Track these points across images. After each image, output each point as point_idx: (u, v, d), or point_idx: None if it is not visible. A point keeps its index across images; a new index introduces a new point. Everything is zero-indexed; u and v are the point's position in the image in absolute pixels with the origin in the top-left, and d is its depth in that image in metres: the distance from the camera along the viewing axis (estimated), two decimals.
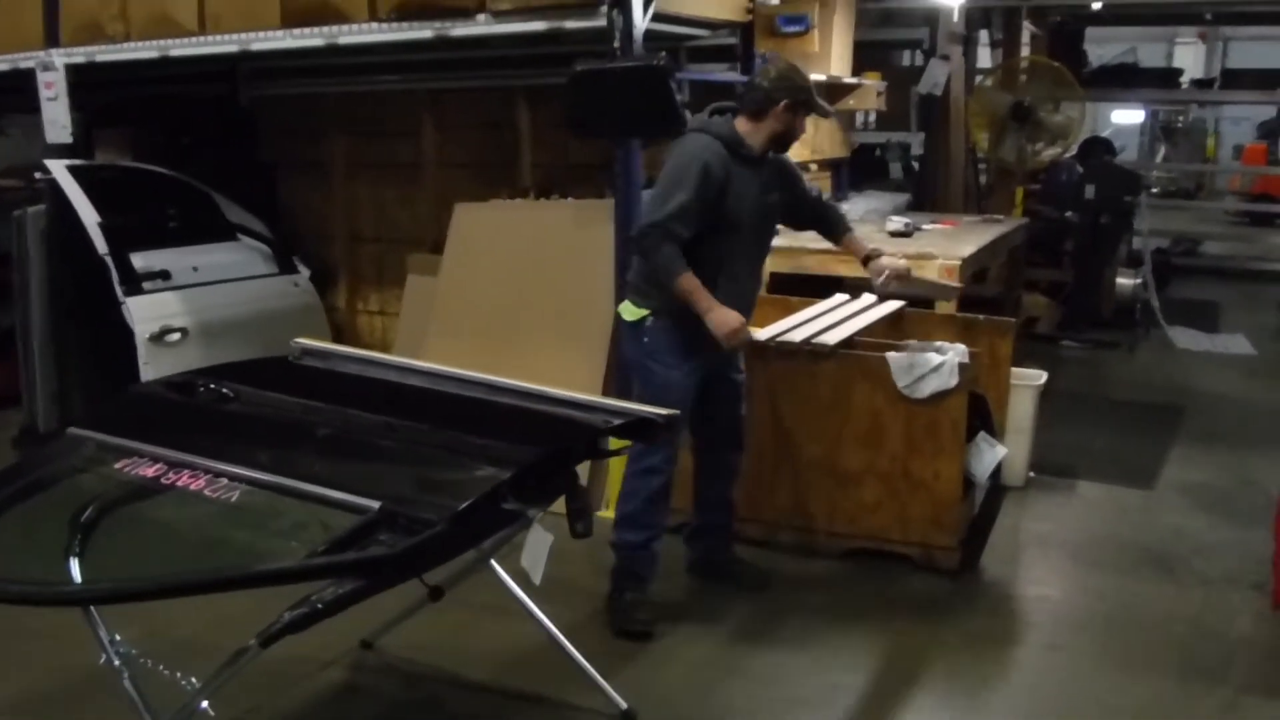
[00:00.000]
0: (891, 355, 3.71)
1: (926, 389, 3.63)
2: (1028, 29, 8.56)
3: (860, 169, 7.39)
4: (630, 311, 3.36)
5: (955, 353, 3.67)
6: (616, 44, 3.99)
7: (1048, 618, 3.50)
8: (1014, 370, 4.39)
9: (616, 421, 2.56)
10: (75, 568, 2.20)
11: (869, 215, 6.02)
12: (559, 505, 2.53)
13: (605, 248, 4.19)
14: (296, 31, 4.50)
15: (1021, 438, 4.40)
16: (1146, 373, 6.71)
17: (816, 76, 5.32)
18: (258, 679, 2.84)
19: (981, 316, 4.40)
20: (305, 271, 5.62)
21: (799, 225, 3.71)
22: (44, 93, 5.05)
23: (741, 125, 3.29)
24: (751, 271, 3.46)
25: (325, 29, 4.44)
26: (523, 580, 2.77)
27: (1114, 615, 3.47)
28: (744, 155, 3.27)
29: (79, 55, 4.99)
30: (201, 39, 4.72)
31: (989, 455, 3.82)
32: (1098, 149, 8.05)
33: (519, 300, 4.65)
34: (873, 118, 9.46)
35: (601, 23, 3.97)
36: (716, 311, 3.19)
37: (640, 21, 3.98)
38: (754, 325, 4.20)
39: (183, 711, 2.34)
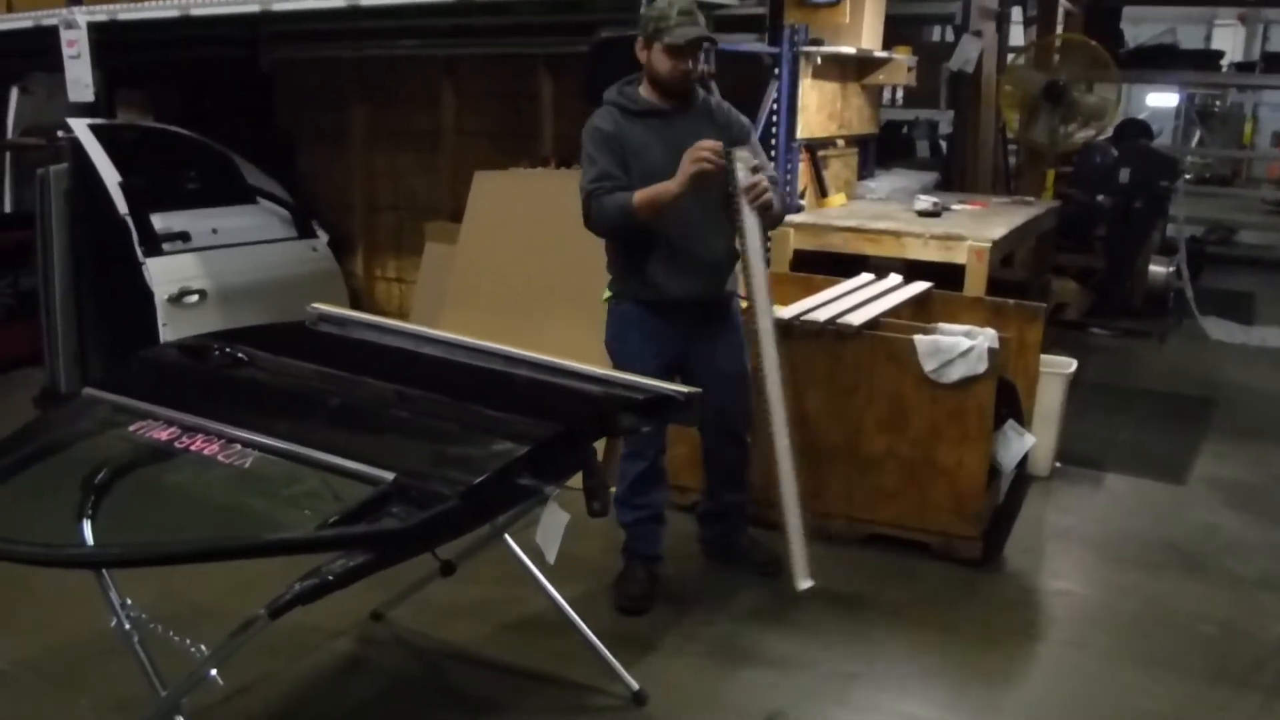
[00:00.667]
0: (919, 338, 3.63)
1: (954, 374, 3.55)
2: (1063, 6, 8.37)
3: (887, 146, 7.25)
4: (606, 293, 3.31)
5: (985, 338, 3.58)
6: (642, 10, 3.90)
7: (1071, 614, 3.43)
8: (1043, 357, 4.30)
9: (637, 398, 2.50)
10: (87, 530, 2.17)
11: (896, 194, 5.91)
12: (575, 480, 2.49)
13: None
14: None
15: (1048, 427, 4.32)
16: (1178, 364, 6.58)
17: (845, 49, 5.21)
18: (266, 647, 2.82)
19: (1011, 301, 4.31)
20: (324, 236, 5.61)
21: None
22: (67, 51, 5.02)
23: (643, 83, 3.16)
24: (707, 232, 3.13)
25: None
26: (535, 556, 2.73)
27: (1140, 614, 3.39)
28: (634, 110, 3.10)
29: (101, 13, 4.96)
30: None
31: (1016, 444, 3.75)
32: (1133, 132, 7.89)
33: (537, 270, 4.60)
34: (900, 94, 9.31)
35: None
36: (677, 177, 2.96)
37: None
38: (776, 303, 4.17)
39: (191, 679, 2.31)
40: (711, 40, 3.19)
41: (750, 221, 3.01)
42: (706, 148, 2.93)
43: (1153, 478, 4.52)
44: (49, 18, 5.10)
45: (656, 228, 3.10)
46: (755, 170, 3.02)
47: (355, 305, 5.84)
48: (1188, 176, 12.66)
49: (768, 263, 3.43)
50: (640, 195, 3.02)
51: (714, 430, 3.35)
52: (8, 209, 6.08)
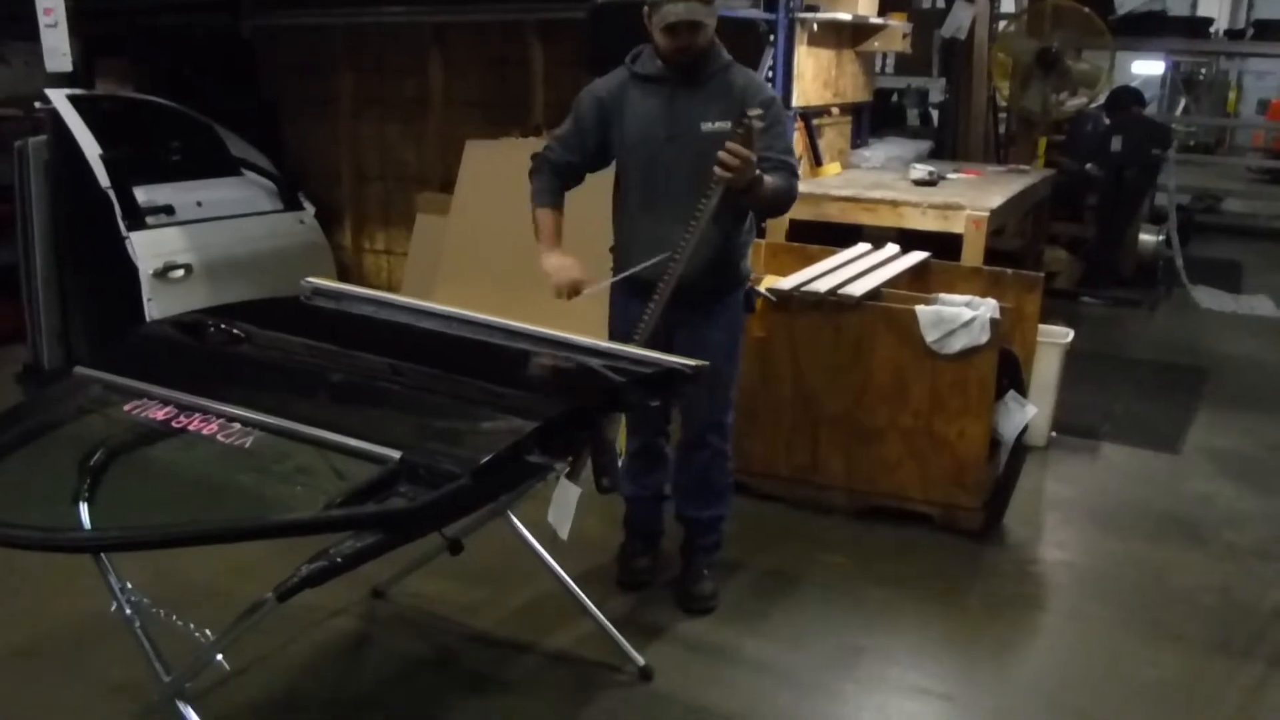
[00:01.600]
0: (920, 309, 3.60)
1: (956, 345, 3.53)
2: None
3: (878, 115, 7.20)
4: None
5: (987, 308, 3.56)
6: None
7: (1071, 584, 3.44)
8: (1040, 327, 4.29)
9: (645, 372, 2.46)
10: (84, 513, 2.12)
11: (890, 163, 5.87)
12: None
13: (602, 186, 4.06)
14: None
15: (1046, 397, 4.31)
16: (1169, 332, 6.60)
17: (842, 16, 5.15)
18: (267, 626, 2.76)
19: (1009, 271, 4.28)
20: (310, 209, 5.51)
21: None
22: (43, 19, 4.87)
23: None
24: (681, 210, 2.82)
25: None
26: (539, 532, 2.70)
27: (1140, 584, 3.40)
28: (640, 74, 2.94)
29: None
30: None
31: (1018, 415, 3.74)
32: (1126, 100, 7.85)
33: (531, 241, 4.52)
34: (890, 62, 9.23)
35: None
36: (544, 255, 2.94)
37: None
38: (773, 274, 4.14)
39: (197, 664, 2.27)
40: (703, 19, 2.81)
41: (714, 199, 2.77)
42: (561, 292, 2.94)
43: (1148, 447, 4.53)
44: None
45: (627, 209, 3.02)
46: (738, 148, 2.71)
47: (343, 278, 5.75)
48: (1175, 144, 12.65)
49: (740, 235, 3.02)
50: (537, 218, 3.00)
51: (684, 427, 3.17)
52: None
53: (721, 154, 2.67)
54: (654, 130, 2.91)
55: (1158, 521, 3.83)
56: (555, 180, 3.03)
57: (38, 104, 4.85)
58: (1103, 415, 4.86)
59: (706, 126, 2.86)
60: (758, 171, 2.74)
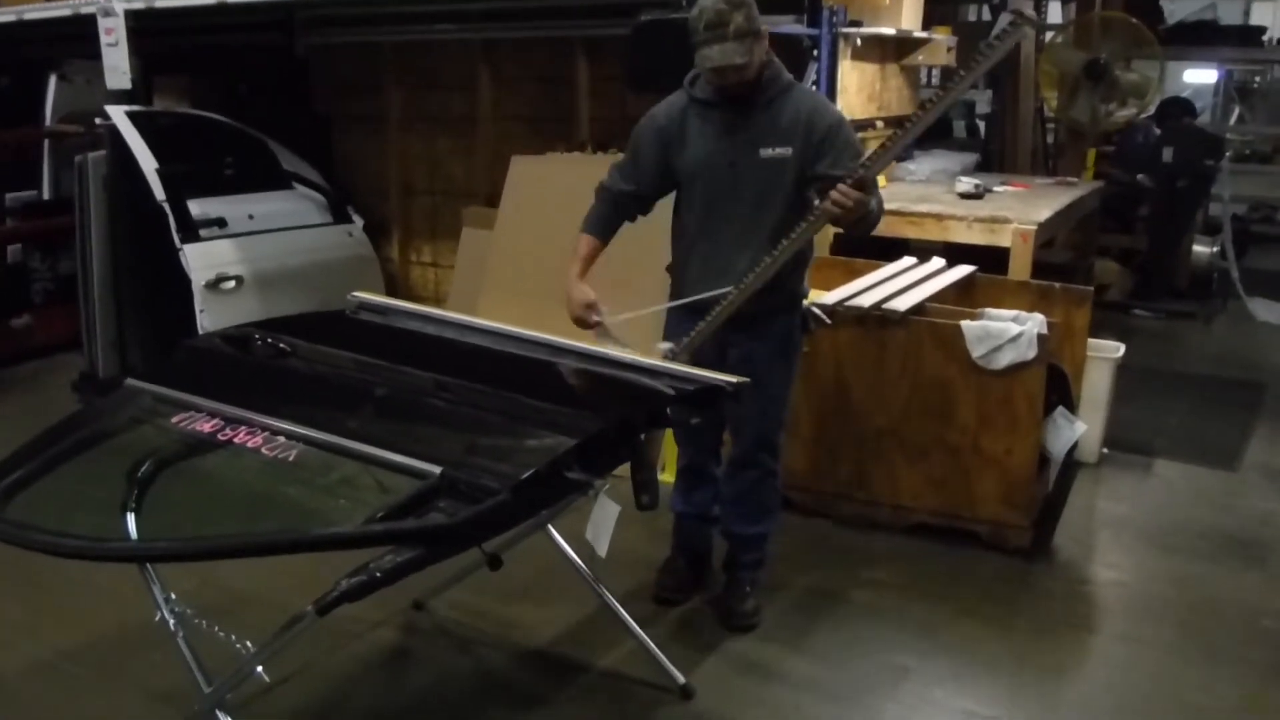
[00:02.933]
0: (966, 324, 3.56)
1: (1003, 360, 3.48)
2: None
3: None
4: None
5: (1034, 323, 3.51)
6: None
7: (1125, 605, 3.36)
8: (1090, 342, 4.22)
9: (686, 389, 2.45)
10: (131, 523, 2.16)
11: (936, 175, 5.81)
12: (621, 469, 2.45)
13: (664, 203, 4.06)
14: None
15: (1096, 413, 4.23)
16: (1224, 346, 6.45)
17: (886, 30, 5.11)
18: (308, 636, 2.78)
19: (1057, 285, 4.21)
20: (359, 221, 5.59)
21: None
22: (105, 38, 5.02)
23: None
24: (740, 235, 2.87)
25: None
26: (579, 545, 2.70)
27: (1196, 605, 3.31)
28: (697, 98, 2.90)
29: (138, 1, 4.93)
30: None
31: (1067, 432, 3.67)
32: (1176, 110, 7.71)
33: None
34: (935, 75, 9.16)
35: None
36: (568, 284, 2.96)
37: None
38: (818, 289, 4.11)
39: (237, 675, 2.30)
40: (738, 60, 2.72)
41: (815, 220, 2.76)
42: (580, 321, 2.94)
43: (1204, 464, 4.43)
44: (87, 5, 5.09)
45: (685, 232, 3.00)
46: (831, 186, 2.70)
47: (390, 290, 5.82)
48: (1228, 154, 12.40)
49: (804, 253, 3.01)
50: (578, 243, 2.99)
51: (734, 444, 3.15)
52: (47, 195, 6.09)
53: (835, 194, 2.64)
54: (713, 156, 2.89)
55: (1214, 541, 3.74)
56: (609, 210, 3.02)
57: (98, 120, 4.98)
58: (1156, 431, 4.76)
59: (766, 153, 2.84)
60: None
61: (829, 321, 3.64)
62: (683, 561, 3.33)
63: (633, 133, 3.04)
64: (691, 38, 2.75)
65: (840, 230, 3.03)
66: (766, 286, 2.88)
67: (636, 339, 3.01)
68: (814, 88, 4.75)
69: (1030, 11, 7.52)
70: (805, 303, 3.13)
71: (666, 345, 2.92)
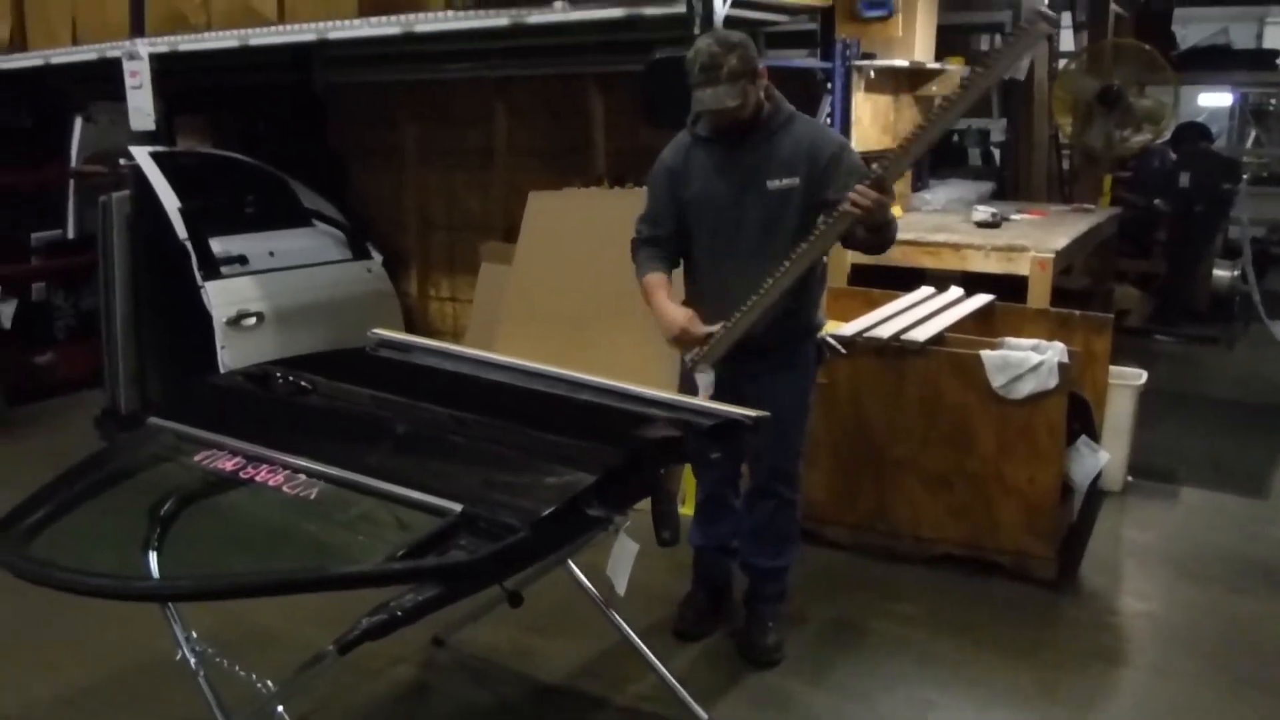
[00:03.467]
0: (986, 354, 3.54)
1: (1024, 389, 3.46)
2: (1113, 10, 8.21)
3: (939, 156, 7.16)
4: None
5: (1054, 351, 3.49)
6: (697, 30, 3.87)
7: (1153, 636, 3.31)
8: (1111, 369, 4.19)
9: (704, 423, 2.45)
10: (153, 562, 2.17)
11: (952, 204, 5.82)
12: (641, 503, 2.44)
13: None
14: (373, 20, 4.48)
15: (1119, 440, 4.20)
16: (1247, 370, 6.39)
17: (898, 62, 5.14)
18: (328, 675, 2.79)
19: (1077, 312, 4.20)
20: (378, 257, 5.63)
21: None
22: (129, 81, 5.10)
23: None
24: (748, 269, 2.85)
25: (402, 17, 4.41)
26: (598, 579, 2.68)
27: (1226, 636, 3.26)
28: (699, 136, 2.94)
29: (163, 45, 5.03)
30: (280, 28, 4.73)
31: (1090, 461, 3.64)
32: (1192, 135, 7.70)
33: (593, 290, 4.56)
34: None
35: (681, 8, 3.88)
36: (658, 313, 2.92)
37: (721, 7, 3.88)
38: (835, 319, 4.11)
39: (258, 714, 2.30)
40: (730, 103, 2.74)
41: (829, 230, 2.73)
42: (685, 345, 2.90)
43: (1231, 491, 4.38)
44: (112, 49, 5.18)
45: (696, 266, 3.01)
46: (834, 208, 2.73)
47: (409, 325, 5.86)
48: (1246, 177, 12.35)
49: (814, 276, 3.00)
50: (647, 284, 2.96)
51: (752, 476, 3.14)
52: (71, 234, 6.18)
53: (853, 195, 2.63)
54: (719, 190, 2.91)
55: (1243, 569, 3.69)
56: (653, 249, 3.03)
57: (122, 160, 5.05)
58: (1181, 458, 4.72)
59: (773, 184, 2.85)
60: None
61: (844, 351, 3.64)
62: (703, 595, 3.31)
63: (647, 180, 3.07)
64: (688, 79, 2.78)
65: (858, 249, 2.98)
66: (781, 316, 2.88)
67: (655, 372, 3.01)
68: (828, 120, 4.78)
69: (1047, 23, 7.56)
70: (821, 333, 3.12)
71: (689, 354, 2.90)
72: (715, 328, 2.86)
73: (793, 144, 2.86)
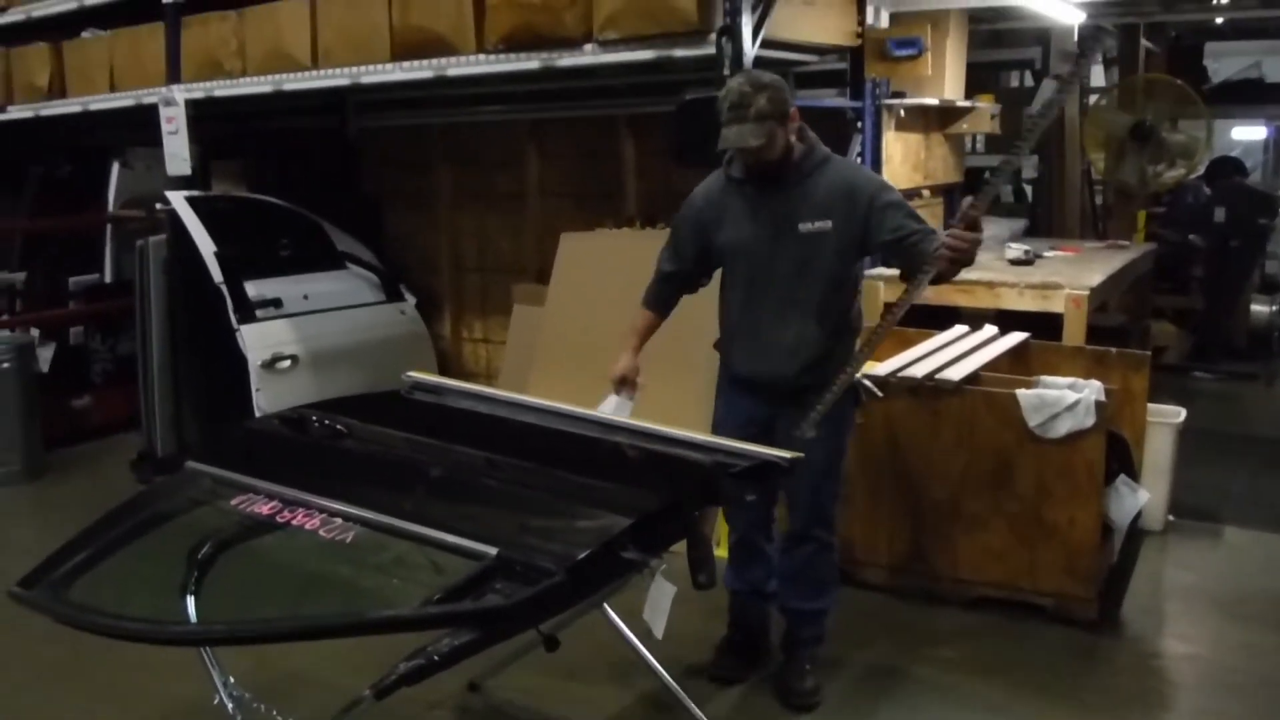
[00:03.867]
0: (1022, 392, 3.51)
1: (1061, 428, 3.42)
2: (1144, 45, 8.19)
3: (969, 193, 7.14)
4: None
5: (1091, 390, 3.45)
6: (726, 71, 3.90)
7: (1197, 679, 3.24)
8: (1150, 406, 4.13)
9: (739, 465, 2.43)
10: (191, 606, 2.17)
11: (985, 242, 5.77)
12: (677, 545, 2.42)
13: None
14: (406, 64, 4.54)
15: (1160, 479, 4.13)
16: None
17: (928, 100, 5.15)
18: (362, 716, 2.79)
19: (1114, 350, 4.15)
20: (411, 300, 5.67)
21: (886, 263, 3.26)
22: (165, 127, 5.20)
23: None
24: (782, 311, 2.88)
25: (433, 61, 4.46)
26: (634, 622, 2.65)
27: (1272, 679, 3.19)
28: (733, 178, 2.94)
29: (199, 90, 5.12)
30: (314, 73, 4.80)
31: (1130, 500, 3.58)
32: (1226, 169, 7.64)
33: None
34: (980, 141, 9.19)
35: (710, 50, 3.90)
36: (621, 351, 3.07)
37: (750, 49, 3.90)
38: (869, 360, 4.08)
39: None
40: (761, 149, 2.75)
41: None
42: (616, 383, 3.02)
43: (1274, 530, 4.29)
44: (149, 95, 5.29)
45: (730, 308, 3.02)
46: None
47: (442, 367, 5.88)
48: None
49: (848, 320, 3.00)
50: (634, 317, 3.12)
51: (790, 519, 3.09)
52: (109, 278, 6.29)
53: (949, 239, 2.61)
54: (752, 232, 2.91)
55: None
56: (665, 286, 3.11)
57: (158, 205, 5.14)
58: (1223, 496, 4.63)
59: (805, 227, 2.84)
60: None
61: (880, 394, 3.61)
62: (739, 638, 3.27)
63: (675, 218, 3.11)
64: (718, 116, 2.78)
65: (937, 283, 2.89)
66: (819, 360, 2.87)
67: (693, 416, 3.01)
68: (859, 159, 4.78)
69: (1070, 75, 7.57)
70: (857, 375, 3.09)
71: (798, 431, 2.78)
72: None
73: (827, 186, 2.85)
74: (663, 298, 3.13)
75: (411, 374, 3.10)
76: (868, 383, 3.35)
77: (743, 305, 2.97)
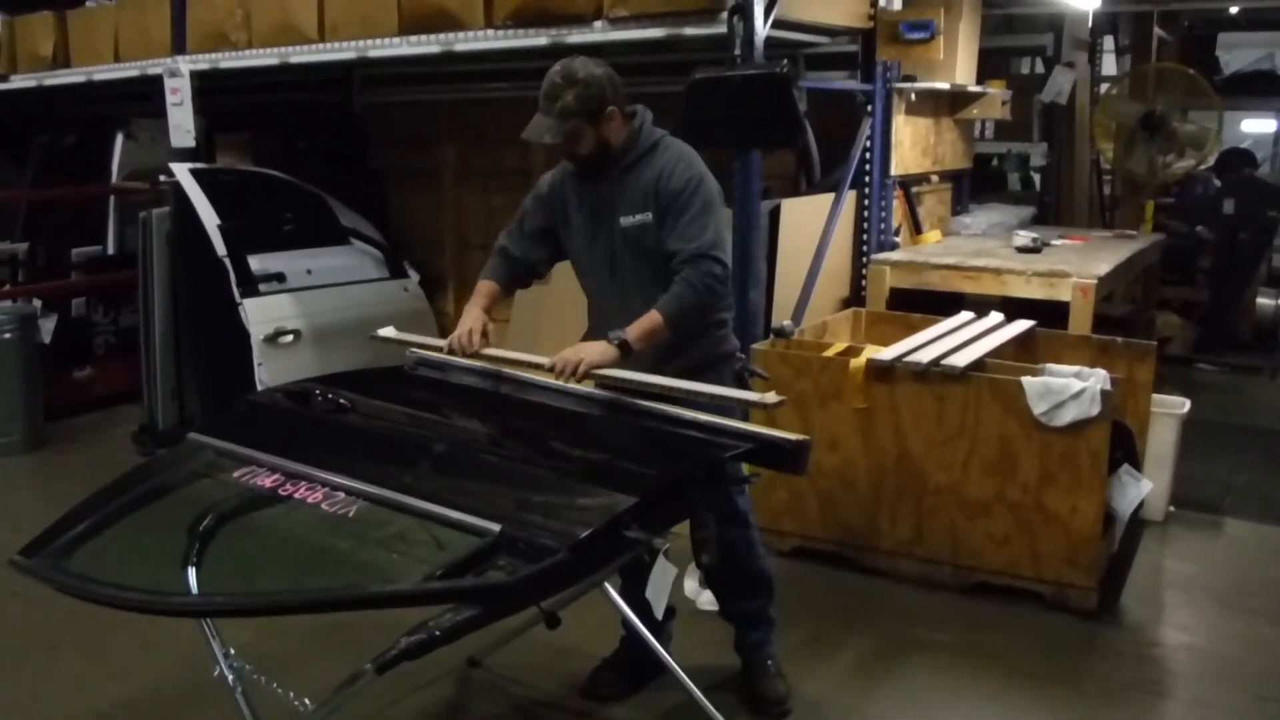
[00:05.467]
0: (1027, 380, 3.49)
1: (1065, 417, 3.41)
2: (1156, 35, 8.14)
3: (978, 180, 7.11)
4: None
5: (1097, 379, 3.43)
6: (737, 51, 3.88)
7: (1195, 669, 3.24)
8: (1154, 397, 4.12)
9: (743, 446, 2.42)
10: (192, 578, 2.16)
11: (993, 229, 5.77)
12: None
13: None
14: (413, 38, 4.52)
15: (1162, 470, 4.12)
16: None
17: (940, 85, 5.11)
18: (365, 691, 2.78)
19: (1120, 339, 4.14)
20: (415, 276, 5.65)
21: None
22: (170, 98, 5.17)
23: None
24: (619, 307, 2.75)
25: (441, 36, 4.44)
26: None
27: (1271, 670, 3.18)
28: (573, 171, 2.83)
29: (204, 62, 5.09)
30: (321, 46, 4.77)
31: (1133, 490, 3.57)
32: (1236, 161, 7.60)
33: None
34: (990, 127, 9.15)
35: (722, 29, 3.87)
36: (466, 309, 2.90)
37: (761, 28, 3.87)
38: (874, 344, 4.07)
39: None
40: (570, 135, 2.66)
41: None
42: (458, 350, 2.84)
43: (1275, 522, 4.29)
44: (154, 66, 5.26)
45: (584, 284, 2.93)
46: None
47: None
48: None
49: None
50: (476, 288, 2.94)
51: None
52: (111, 250, 6.26)
53: (560, 358, 2.61)
54: (583, 225, 2.82)
55: None
56: (499, 260, 2.97)
57: (162, 177, 5.12)
58: (1224, 488, 4.63)
59: (625, 221, 2.73)
60: (618, 337, 2.60)
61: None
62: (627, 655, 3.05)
63: (524, 200, 2.99)
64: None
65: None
66: (668, 353, 2.74)
67: None
68: (868, 142, 4.75)
69: (1083, 60, 7.51)
70: (737, 362, 2.90)
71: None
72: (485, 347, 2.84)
73: (652, 176, 2.71)
74: (500, 268, 2.95)
75: (415, 350, 3.10)
76: (754, 367, 3.08)
77: (593, 303, 2.92)
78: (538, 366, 2.76)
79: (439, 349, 2.94)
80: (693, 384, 2.60)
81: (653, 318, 2.63)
